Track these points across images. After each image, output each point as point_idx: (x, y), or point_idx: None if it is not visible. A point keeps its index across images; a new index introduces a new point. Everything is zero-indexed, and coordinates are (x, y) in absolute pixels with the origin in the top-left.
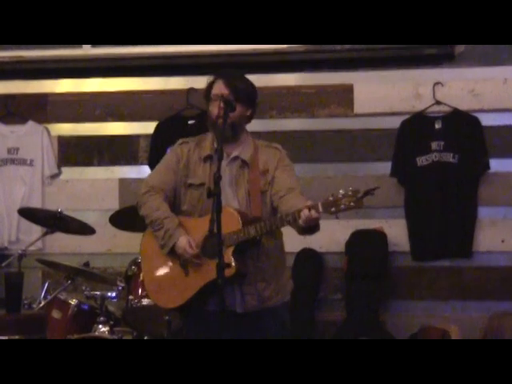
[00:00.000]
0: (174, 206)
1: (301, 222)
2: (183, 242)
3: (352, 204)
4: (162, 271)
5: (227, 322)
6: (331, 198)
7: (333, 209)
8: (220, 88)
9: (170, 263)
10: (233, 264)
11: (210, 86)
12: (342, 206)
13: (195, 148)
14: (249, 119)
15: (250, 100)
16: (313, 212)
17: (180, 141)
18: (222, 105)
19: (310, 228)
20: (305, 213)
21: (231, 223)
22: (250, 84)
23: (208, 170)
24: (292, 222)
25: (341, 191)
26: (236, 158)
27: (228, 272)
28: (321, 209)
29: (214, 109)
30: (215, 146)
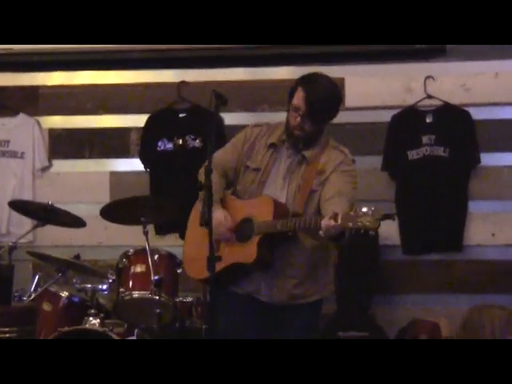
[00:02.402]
0: (232, 184)
1: (321, 232)
2: (219, 214)
3: (368, 224)
4: (197, 243)
5: (252, 308)
6: (352, 213)
7: (350, 224)
8: (299, 101)
9: (206, 236)
10: (254, 253)
11: (293, 90)
12: (359, 224)
13: (265, 133)
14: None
15: (327, 115)
16: (332, 221)
17: (253, 123)
18: (213, 98)
19: (332, 237)
20: (325, 221)
21: (264, 212)
22: (330, 96)
23: (268, 157)
24: (313, 228)
25: (363, 209)
26: (297, 152)
27: (247, 259)
28: (340, 220)
29: (291, 119)
30: (283, 137)
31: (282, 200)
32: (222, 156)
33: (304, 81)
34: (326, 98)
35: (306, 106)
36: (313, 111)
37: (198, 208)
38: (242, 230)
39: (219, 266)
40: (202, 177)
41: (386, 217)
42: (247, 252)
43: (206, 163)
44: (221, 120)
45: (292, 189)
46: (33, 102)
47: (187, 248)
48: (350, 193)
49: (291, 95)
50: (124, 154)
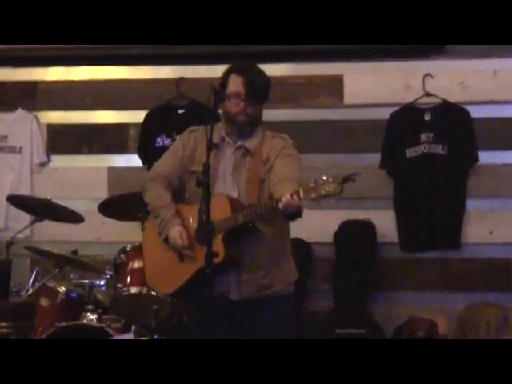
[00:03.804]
0: (180, 192)
1: (281, 206)
2: (175, 233)
3: (331, 190)
4: (159, 257)
5: (223, 309)
6: (312, 185)
7: (313, 195)
8: (237, 86)
9: (168, 249)
10: (222, 251)
11: (225, 80)
12: (322, 192)
13: (202, 136)
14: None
15: (265, 96)
16: (294, 197)
17: (189, 129)
18: (212, 95)
19: (291, 214)
20: (286, 198)
21: (221, 210)
22: (265, 78)
23: (212, 158)
24: (274, 208)
25: (323, 177)
26: (240, 146)
27: (216, 259)
28: (302, 195)
29: (232, 107)
30: (222, 134)
31: (234, 196)
32: (164, 165)
33: (236, 68)
34: (260, 78)
35: (246, 89)
36: (253, 92)
37: (151, 225)
38: (202, 233)
39: (185, 277)
40: (145, 197)
41: (347, 179)
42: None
43: (148, 177)
44: (219, 116)
45: (242, 183)
46: (31, 97)
47: (150, 263)
48: (297, 174)
49: (224, 86)
50: (122, 149)
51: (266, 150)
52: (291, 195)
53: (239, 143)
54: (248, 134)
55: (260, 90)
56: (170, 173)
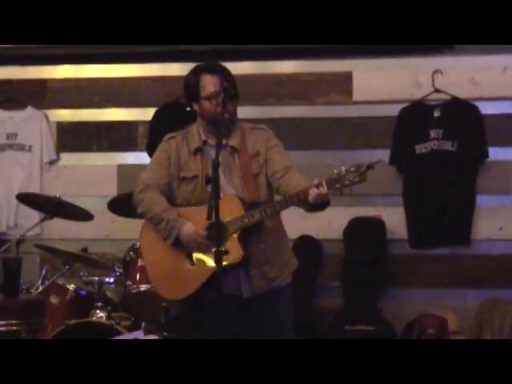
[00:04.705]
0: (169, 200)
1: (311, 199)
2: (190, 227)
3: (356, 179)
4: (166, 263)
5: (233, 308)
6: (335, 176)
7: (337, 185)
8: (215, 86)
9: (174, 254)
10: (240, 250)
11: (196, 83)
12: (347, 182)
13: (183, 142)
14: None
15: (237, 91)
16: (321, 189)
17: (167, 136)
18: (222, 96)
19: (322, 204)
20: (314, 190)
21: (233, 209)
22: (231, 73)
23: (199, 161)
24: (299, 202)
25: (343, 168)
26: (225, 145)
27: (236, 258)
28: (325, 186)
29: (213, 107)
30: (203, 137)
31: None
32: (151, 176)
33: (206, 69)
34: (229, 74)
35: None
36: (234, 88)
37: (146, 233)
38: (211, 235)
39: (200, 281)
40: (140, 208)
41: (370, 167)
42: (230, 252)
43: (138, 188)
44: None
45: (237, 182)
46: (41, 95)
47: (155, 270)
48: (291, 162)
49: (196, 89)
50: (131, 147)
51: (250, 144)
52: (316, 187)
53: (223, 142)
54: (229, 132)
55: (234, 86)
56: (159, 181)
